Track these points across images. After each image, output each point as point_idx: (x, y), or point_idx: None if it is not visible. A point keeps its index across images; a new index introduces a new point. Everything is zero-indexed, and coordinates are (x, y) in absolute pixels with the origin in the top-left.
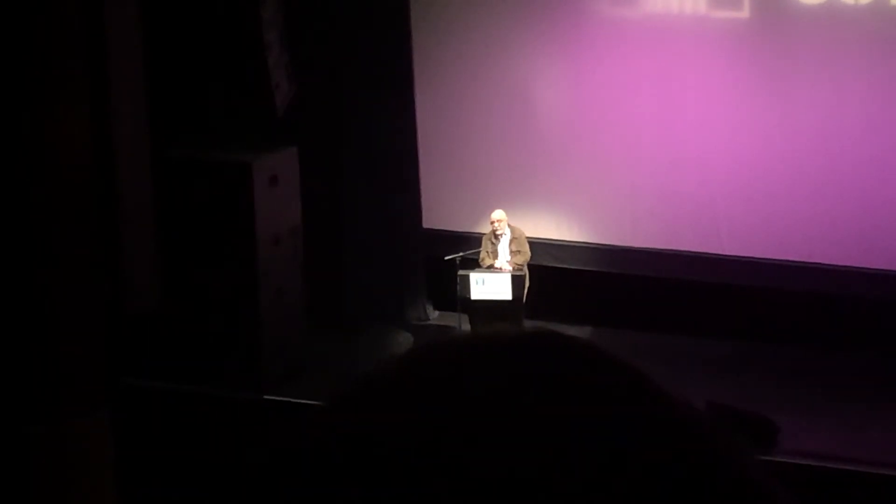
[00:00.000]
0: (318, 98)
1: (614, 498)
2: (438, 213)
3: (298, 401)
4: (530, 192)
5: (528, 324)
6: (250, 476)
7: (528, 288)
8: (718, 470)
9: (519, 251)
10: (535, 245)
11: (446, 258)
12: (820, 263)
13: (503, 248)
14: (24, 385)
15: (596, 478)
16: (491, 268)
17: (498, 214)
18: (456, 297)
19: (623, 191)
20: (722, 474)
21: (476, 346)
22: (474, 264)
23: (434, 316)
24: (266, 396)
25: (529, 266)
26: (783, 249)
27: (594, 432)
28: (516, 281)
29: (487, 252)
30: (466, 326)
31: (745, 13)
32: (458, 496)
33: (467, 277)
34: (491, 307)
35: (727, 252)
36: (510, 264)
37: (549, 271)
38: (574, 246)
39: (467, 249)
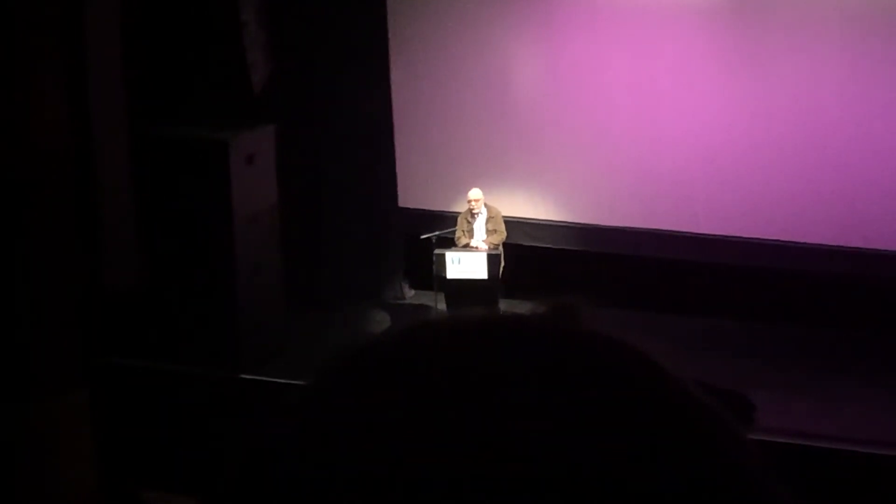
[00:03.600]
0: (294, 76)
1: (618, 487)
2: (414, 192)
3: (275, 380)
4: (506, 171)
5: (504, 304)
6: (239, 463)
7: (504, 267)
8: (719, 462)
9: (495, 230)
10: (512, 224)
11: (422, 237)
12: (797, 242)
13: (479, 226)
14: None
15: (597, 467)
16: (467, 247)
17: (475, 193)
18: (432, 275)
19: (600, 169)
20: (723, 467)
21: (461, 330)
22: (450, 243)
23: (410, 295)
24: (243, 375)
25: (505, 245)
26: (760, 228)
27: (598, 422)
28: (492, 260)
29: (463, 231)
30: (442, 305)
31: None
32: (454, 487)
33: (443, 256)
34: (467, 286)
35: (704, 230)
36: (486, 243)
37: (525, 250)
38: (550, 225)
39: (443, 228)
